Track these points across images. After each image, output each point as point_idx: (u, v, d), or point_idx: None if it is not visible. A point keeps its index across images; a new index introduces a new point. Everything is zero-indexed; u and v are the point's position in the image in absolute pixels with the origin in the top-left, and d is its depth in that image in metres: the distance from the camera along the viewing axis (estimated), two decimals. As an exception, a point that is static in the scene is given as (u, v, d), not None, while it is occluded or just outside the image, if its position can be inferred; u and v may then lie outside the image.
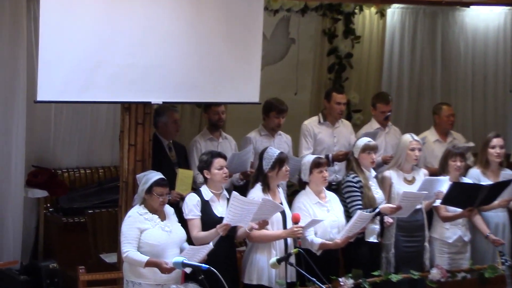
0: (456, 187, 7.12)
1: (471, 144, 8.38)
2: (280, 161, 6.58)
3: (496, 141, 7.65)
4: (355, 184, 7.00)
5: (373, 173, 7.21)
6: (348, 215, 6.84)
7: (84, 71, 6.47)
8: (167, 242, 6.12)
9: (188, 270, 5.78)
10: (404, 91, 10.58)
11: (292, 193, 7.93)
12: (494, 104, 11.24)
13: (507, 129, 11.00)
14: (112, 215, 8.02)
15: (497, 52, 11.11)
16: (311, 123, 8.18)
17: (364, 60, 10.26)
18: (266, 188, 6.58)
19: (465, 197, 7.14)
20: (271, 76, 9.28)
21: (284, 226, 6.57)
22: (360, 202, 6.94)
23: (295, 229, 6.36)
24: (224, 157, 6.52)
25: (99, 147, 8.98)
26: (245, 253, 6.66)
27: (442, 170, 7.48)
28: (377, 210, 6.84)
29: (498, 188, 7.28)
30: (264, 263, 6.45)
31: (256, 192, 6.58)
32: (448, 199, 7.13)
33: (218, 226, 6.17)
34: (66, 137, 8.75)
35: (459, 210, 7.29)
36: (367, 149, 7.09)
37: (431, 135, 8.48)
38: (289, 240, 6.60)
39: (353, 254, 6.92)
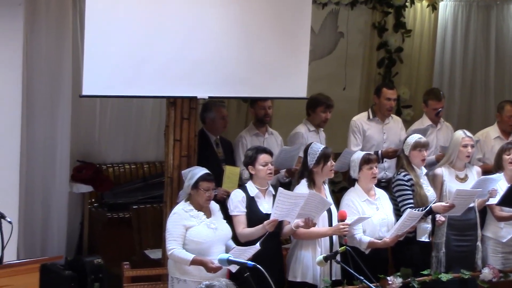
0: None
1: None
2: (325, 156, 6.48)
3: (553, 139, 7.47)
4: (406, 183, 6.87)
5: (424, 170, 7.06)
6: (399, 214, 6.72)
7: (130, 65, 6.45)
8: (212, 240, 6.06)
9: (233, 268, 5.68)
10: (456, 87, 10.42)
11: (339, 190, 7.82)
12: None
13: None
14: (156, 211, 8.03)
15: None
16: (360, 119, 8.05)
17: (415, 55, 10.12)
18: (312, 184, 6.49)
19: None
20: (319, 71, 9.21)
21: (330, 223, 6.49)
22: (411, 201, 6.80)
23: (341, 226, 6.29)
24: (270, 153, 6.43)
25: (144, 142, 8.98)
26: (289, 250, 6.59)
27: (497, 166, 7.33)
28: (428, 208, 6.67)
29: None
30: (309, 260, 6.38)
31: (302, 188, 6.49)
32: (505, 201, 6.95)
33: (266, 222, 6.11)
34: (111, 132, 8.76)
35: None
36: (418, 146, 6.96)
37: (493, 131, 8.31)
38: (335, 238, 6.51)
39: (404, 253, 6.79)
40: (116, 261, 7.03)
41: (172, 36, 6.57)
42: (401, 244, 6.72)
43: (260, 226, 6.14)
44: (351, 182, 6.82)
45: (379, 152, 7.74)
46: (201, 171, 6.12)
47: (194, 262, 5.91)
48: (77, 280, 7.35)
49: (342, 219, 6.32)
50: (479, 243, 7.12)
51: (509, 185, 7.02)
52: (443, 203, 6.79)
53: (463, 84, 10.52)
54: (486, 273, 6.77)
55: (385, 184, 7.49)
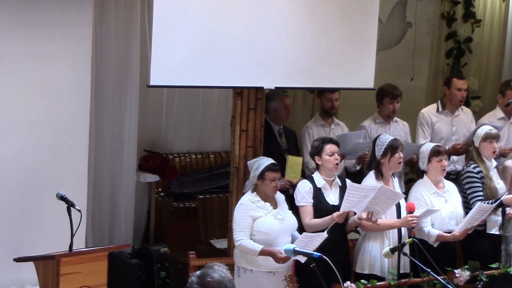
0: None
1: None
2: (393, 147, 6.41)
3: None
4: (475, 175, 6.77)
5: (494, 163, 6.94)
6: (468, 207, 6.63)
7: (196, 55, 6.46)
8: (279, 230, 6.05)
9: (302, 259, 5.67)
10: (526, 78, 10.19)
11: (407, 181, 7.73)
12: None
13: None
14: (222, 201, 8.04)
15: None
16: (429, 112, 7.94)
17: (484, 45, 9.97)
18: (379, 176, 6.43)
19: None
20: (386, 61, 9.13)
21: (398, 216, 6.42)
22: (481, 193, 6.71)
23: (410, 218, 6.22)
24: (336, 143, 6.38)
25: (210, 132, 9.00)
26: (357, 242, 6.55)
27: None
28: (499, 201, 6.56)
29: None
30: (376, 253, 6.33)
31: (370, 179, 6.45)
32: None
33: (335, 214, 6.07)
34: (177, 122, 8.80)
35: None
36: (489, 137, 6.85)
37: None
38: (403, 230, 6.44)
39: (473, 246, 6.69)
40: (182, 250, 7.09)
41: (238, 27, 6.57)
42: (471, 237, 6.64)
43: (328, 217, 6.11)
44: (420, 174, 6.75)
45: (447, 148, 7.60)
46: (267, 161, 6.10)
47: (262, 252, 5.91)
48: (144, 268, 7.41)
49: (410, 211, 6.26)
50: (551, 237, 7.00)
51: None
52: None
53: (535, 75, 10.31)
54: (558, 267, 6.64)
55: (454, 177, 7.39)
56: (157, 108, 8.67)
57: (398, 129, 7.76)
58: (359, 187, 6.12)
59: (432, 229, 6.44)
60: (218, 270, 3.49)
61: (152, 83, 6.39)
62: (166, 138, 8.79)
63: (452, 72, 9.55)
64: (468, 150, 7.34)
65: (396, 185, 6.57)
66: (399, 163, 6.50)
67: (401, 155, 6.47)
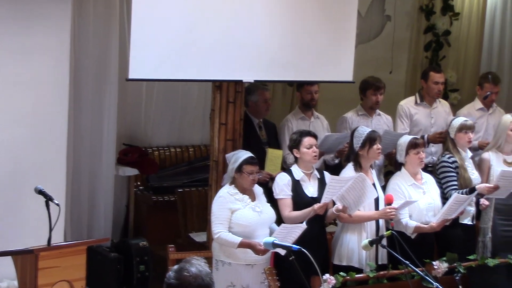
0: None
1: None
2: (371, 139, 6.44)
3: None
4: (450, 165, 6.81)
5: (469, 153, 6.99)
6: (444, 197, 6.67)
7: (175, 49, 6.44)
8: (257, 223, 6.05)
9: (282, 252, 5.68)
10: (504, 70, 10.25)
11: (385, 174, 7.76)
12: None
13: None
14: (202, 194, 8.05)
15: None
16: (408, 104, 7.97)
17: (462, 38, 10.00)
18: (358, 167, 6.45)
19: None
20: (365, 54, 9.16)
21: (377, 207, 6.44)
22: (455, 183, 6.75)
23: (388, 210, 6.25)
24: (315, 136, 6.40)
25: (189, 126, 9.00)
26: (335, 233, 6.57)
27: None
28: (475, 192, 6.60)
29: None
30: (354, 244, 6.36)
31: (348, 171, 6.47)
32: None
33: (316, 205, 6.08)
34: (157, 115, 8.79)
35: None
36: (464, 128, 6.89)
37: None
38: (381, 222, 6.48)
39: (446, 236, 6.72)
40: (161, 244, 7.09)
41: (218, 20, 6.55)
42: (444, 227, 6.64)
43: (309, 209, 6.12)
44: (398, 166, 6.78)
45: (426, 136, 7.66)
46: (245, 154, 6.10)
47: (241, 245, 5.92)
48: (123, 262, 7.40)
49: (388, 203, 6.28)
50: (527, 228, 7.06)
51: None
52: (487, 184, 6.75)
53: (512, 68, 10.37)
54: (534, 259, 6.69)
55: (431, 169, 7.42)
56: (136, 102, 8.66)
57: (381, 123, 7.77)
58: (340, 179, 6.15)
59: (410, 221, 6.46)
60: (196, 264, 3.49)
61: (131, 76, 6.37)
62: (145, 132, 8.78)
63: (431, 65, 9.58)
64: (445, 140, 7.39)
65: (374, 177, 6.60)
66: (378, 154, 6.52)
67: (379, 146, 6.49)
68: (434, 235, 6.80)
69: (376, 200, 6.45)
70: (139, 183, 8.55)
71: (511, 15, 10.24)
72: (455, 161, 6.84)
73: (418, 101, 7.95)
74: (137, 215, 8.40)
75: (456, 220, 6.77)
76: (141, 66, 6.34)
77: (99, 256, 7.33)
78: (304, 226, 5.88)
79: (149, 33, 6.31)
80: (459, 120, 6.98)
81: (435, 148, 7.83)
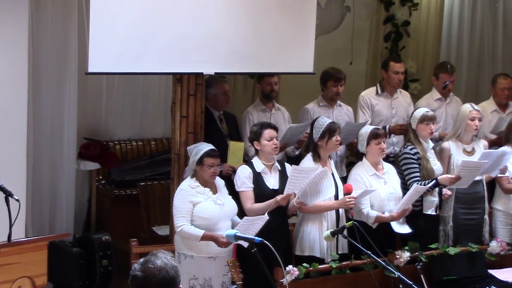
0: None
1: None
2: (330, 130, 6.46)
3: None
4: (412, 156, 6.84)
5: (431, 144, 7.04)
6: (406, 188, 6.70)
7: (135, 42, 6.41)
8: (219, 215, 6.05)
9: (245, 244, 5.69)
10: (463, 60, 10.36)
11: (347, 164, 7.80)
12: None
13: None
14: (164, 187, 8.03)
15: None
16: (368, 94, 8.01)
17: (422, 28, 10.07)
18: (317, 158, 6.47)
19: None
20: (325, 45, 9.18)
21: (336, 197, 6.46)
22: (418, 174, 6.79)
23: (347, 199, 6.28)
24: (275, 128, 6.40)
25: (151, 119, 8.97)
26: (296, 224, 6.59)
27: (506, 140, 7.29)
28: (433, 181, 6.65)
29: None
30: (315, 235, 6.38)
31: (307, 161, 6.49)
32: None
33: (279, 197, 6.09)
34: (118, 109, 8.75)
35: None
36: (425, 119, 6.92)
37: (489, 105, 8.22)
38: (341, 211, 6.51)
39: (410, 227, 6.75)
40: (124, 238, 7.05)
41: (177, 12, 6.53)
42: (408, 218, 6.71)
43: (270, 201, 6.13)
44: (359, 156, 6.81)
45: (387, 127, 7.71)
46: (206, 147, 6.09)
47: (204, 237, 5.91)
48: (85, 257, 7.36)
49: (347, 192, 6.32)
50: (486, 217, 7.13)
51: None
52: (449, 175, 6.77)
53: (471, 57, 10.46)
54: (494, 246, 6.75)
55: (393, 159, 7.47)
56: (96, 96, 8.60)
57: (341, 113, 7.81)
58: (302, 170, 6.16)
59: (371, 211, 6.50)
60: (161, 257, 3.51)
61: (90, 70, 6.32)
62: (106, 126, 8.73)
63: (391, 55, 9.64)
64: (407, 131, 7.45)
65: (333, 167, 6.62)
66: (337, 145, 6.55)
67: (339, 138, 6.52)
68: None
69: (336, 190, 6.47)
70: (101, 177, 8.51)
71: (469, 4, 10.34)
72: (417, 152, 6.87)
73: (379, 91, 7.99)
74: (99, 209, 8.36)
75: (419, 211, 6.84)
76: (100, 60, 6.30)
77: (61, 251, 7.28)
78: (266, 217, 5.90)
79: (108, 26, 6.27)
80: (420, 111, 7.00)
81: (397, 138, 7.89)
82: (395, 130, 7.72)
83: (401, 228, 6.63)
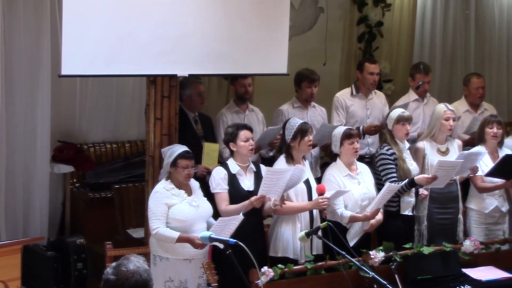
0: (507, 160, 7.01)
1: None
2: (302, 131, 6.47)
3: (532, 110, 7.50)
4: (389, 157, 6.87)
5: (407, 144, 7.07)
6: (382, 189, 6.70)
7: (109, 44, 6.37)
8: (194, 217, 6.04)
9: (221, 245, 5.68)
10: (436, 60, 10.44)
11: (322, 165, 7.81)
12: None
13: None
14: (138, 190, 8.00)
15: (533, 17, 10.91)
16: (343, 95, 8.03)
17: (395, 29, 10.12)
18: (290, 159, 6.48)
19: (510, 168, 7.01)
20: (299, 46, 9.18)
21: (310, 198, 6.48)
22: (394, 175, 6.81)
23: (320, 200, 6.28)
24: (250, 129, 6.41)
25: (125, 121, 8.94)
26: (270, 226, 6.59)
27: (479, 139, 7.34)
28: (410, 180, 6.68)
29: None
30: (289, 236, 6.39)
31: (280, 163, 6.50)
32: (494, 172, 7.01)
33: (253, 198, 6.10)
34: (91, 111, 8.71)
35: (496, 180, 7.13)
36: (401, 120, 6.94)
37: (461, 105, 8.27)
38: (315, 212, 6.51)
39: (387, 227, 6.79)
40: (99, 241, 7.02)
41: (150, 14, 6.50)
42: (385, 218, 6.73)
43: (245, 202, 6.13)
44: (333, 157, 6.82)
45: (361, 128, 7.73)
46: (180, 148, 6.08)
47: (180, 239, 5.90)
48: (60, 260, 7.31)
49: (321, 193, 6.31)
50: (460, 216, 7.18)
51: (503, 155, 7.09)
52: (425, 175, 6.79)
53: (444, 57, 10.55)
54: (468, 245, 6.77)
55: (368, 160, 7.49)
56: (70, 98, 8.57)
57: (316, 114, 7.83)
58: (276, 171, 6.16)
59: (345, 211, 6.51)
60: (134, 260, 3.53)
61: (63, 72, 6.28)
62: (80, 128, 8.70)
63: (364, 56, 9.68)
64: (381, 131, 7.48)
65: (307, 168, 6.63)
66: (309, 146, 6.55)
67: (311, 138, 6.53)
68: (375, 228, 6.90)
69: (309, 191, 6.49)
70: (75, 180, 8.47)
71: (441, 4, 10.41)
72: (394, 153, 6.89)
73: (354, 92, 8.01)
74: (73, 212, 8.32)
75: (396, 212, 6.87)
76: (73, 62, 6.26)
77: (36, 255, 7.23)
78: (241, 217, 5.89)
79: (81, 28, 6.23)
80: (396, 112, 7.02)
81: (372, 139, 7.92)
82: (369, 131, 7.74)
83: (354, 239, 6.61)
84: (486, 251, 6.87)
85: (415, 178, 6.75)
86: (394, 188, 6.52)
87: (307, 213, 6.45)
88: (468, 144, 7.63)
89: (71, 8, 6.19)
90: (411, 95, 8.19)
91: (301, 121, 6.57)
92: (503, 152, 7.28)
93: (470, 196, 7.36)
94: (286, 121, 6.65)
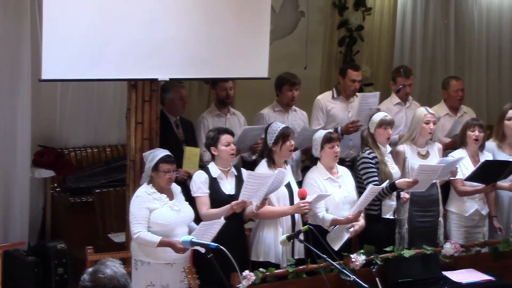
0: (486, 165, 7.04)
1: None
2: (284, 135, 6.47)
3: (512, 113, 7.54)
4: (370, 160, 6.89)
5: (389, 148, 7.09)
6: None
7: (89, 48, 6.35)
8: (176, 222, 6.04)
9: (202, 249, 5.67)
10: (416, 64, 10.47)
11: (302, 169, 7.82)
12: (509, 75, 11.16)
13: (523, 101, 10.89)
14: (119, 194, 7.98)
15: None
16: (324, 98, 8.03)
17: (375, 33, 10.15)
18: (272, 164, 6.48)
19: (491, 173, 7.08)
20: (280, 50, 9.19)
21: (291, 203, 6.48)
22: (376, 179, 6.83)
23: (302, 204, 6.27)
24: (232, 133, 6.42)
25: (106, 126, 8.90)
26: (252, 230, 6.59)
27: (460, 142, 7.38)
28: (391, 184, 6.70)
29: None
30: (271, 240, 6.39)
31: (262, 168, 6.50)
32: (474, 177, 7.04)
33: (233, 203, 6.10)
34: (72, 116, 8.67)
35: (476, 184, 7.17)
36: (384, 124, 6.96)
37: (441, 109, 8.28)
38: (296, 216, 6.51)
39: (369, 231, 6.81)
40: (80, 246, 6.98)
41: (131, 19, 6.49)
42: (367, 222, 6.74)
43: (226, 206, 6.13)
44: (314, 161, 6.83)
45: (339, 128, 7.71)
46: (161, 153, 6.08)
47: (161, 244, 5.90)
48: (41, 265, 7.30)
49: (302, 197, 6.31)
50: (441, 219, 7.19)
51: (482, 161, 7.11)
52: (406, 179, 6.81)
53: (424, 61, 10.59)
54: (448, 248, 6.80)
55: (349, 163, 7.50)
56: (50, 102, 8.53)
57: (296, 118, 7.83)
58: (257, 176, 6.15)
59: (326, 214, 6.51)
60: (111, 265, 3.47)
61: (44, 77, 6.26)
62: (61, 133, 8.65)
63: (345, 60, 9.71)
64: (357, 130, 7.52)
65: (289, 172, 6.64)
66: (291, 150, 6.56)
67: (292, 143, 6.54)
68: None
69: (291, 195, 6.50)
70: (55, 184, 8.43)
71: (421, 8, 10.46)
72: (375, 157, 6.91)
73: (335, 95, 8.01)
74: (54, 217, 8.28)
75: (378, 215, 6.89)
76: (54, 66, 6.24)
77: (16, 260, 7.21)
78: (222, 221, 5.89)
79: (62, 32, 6.20)
80: (379, 116, 7.04)
81: (353, 142, 7.91)
82: (346, 130, 7.71)
83: (335, 242, 6.61)
84: (466, 254, 6.91)
85: (396, 182, 6.77)
86: (376, 190, 6.53)
87: (289, 217, 6.46)
88: (449, 148, 7.66)
89: (52, 12, 6.17)
90: (393, 99, 8.20)
91: (283, 126, 6.58)
92: (484, 155, 7.33)
93: (450, 199, 7.39)
94: (268, 125, 6.65)
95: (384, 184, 6.69)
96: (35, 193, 8.25)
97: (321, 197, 6.43)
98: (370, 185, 6.51)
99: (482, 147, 7.38)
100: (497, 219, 7.46)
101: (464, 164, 7.20)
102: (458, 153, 7.25)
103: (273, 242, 6.35)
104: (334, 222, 6.52)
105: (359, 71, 8.03)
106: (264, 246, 6.39)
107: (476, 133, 7.27)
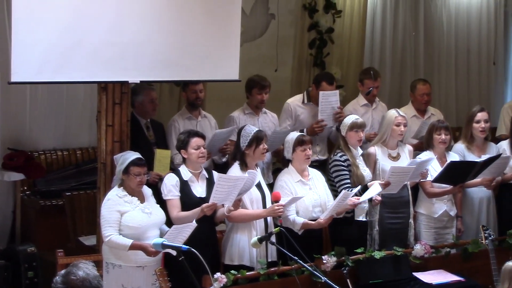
0: (452, 166, 7.08)
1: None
2: (257, 139, 6.48)
3: (480, 115, 7.62)
4: (342, 163, 6.91)
5: (360, 151, 7.13)
6: (336, 195, 6.72)
7: (59, 50, 6.32)
8: (147, 224, 6.04)
9: (174, 252, 5.67)
10: (386, 66, 10.54)
11: (274, 171, 7.84)
12: (478, 78, 11.27)
13: (491, 103, 11.01)
14: (90, 197, 7.94)
15: (480, 25, 11.14)
16: (294, 102, 8.03)
17: (345, 35, 10.18)
18: (244, 166, 6.49)
19: (458, 174, 7.12)
20: (251, 53, 9.22)
21: (264, 206, 6.50)
22: (348, 181, 6.86)
23: (276, 207, 6.29)
24: (202, 136, 6.42)
25: (76, 128, 8.84)
26: (225, 233, 6.59)
27: (427, 145, 7.43)
28: (363, 187, 6.73)
29: (488, 163, 7.22)
30: (244, 243, 6.39)
31: (234, 170, 6.50)
32: (441, 178, 7.08)
33: (204, 205, 6.09)
34: (42, 118, 8.60)
35: (445, 185, 7.23)
36: (355, 127, 7.00)
37: (408, 110, 8.31)
38: (269, 219, 6.53)
39: (341, 233, 6.84)
40: (50, 249, 6.96)
41: (101, 20, 6.46)
42: (339, 224, 6.79)
43: (197, 209, 6.13)
44: (285, 163, 6.85)
45: (305, 130, 7.69)
46: (132, 155, 6.08)
47: (133, 247, 5.90)
48: (11, 269, 7.25)
49: (276, 200, 6.33)
50: (411, 220, 7.23)
51: (448, 162, 7.15)
52: (379, 182, 6.84)
53: (393, 63, 10.65)
54: (418, 249, 6.85)
55: (316, 165, 7.51)
56: (20, 105, 8.45)
57: (267, 120, 7.83)
58: (228, 178, 6.16)
59: (297, 217, 6.53)
60: (83, 267, 3.48)
61: (13, 80, 6.22)
62: (31, 135, 8.58)
63: (316, 62, 9.75)
64: (323, 129, 7.56)
65: (260, 175, 6.63)
66: (263, 153, 6.57)
67: (266, 146, 6.55)
68: (329, 233, 6.96)
69: (264, 199, 6.51)
70: (25, 187, 8.36)
71: (391, 11, 10.52)
72: (347, 159, 6.94)
73: (306, 101, 8.01)
74: (24, 220, 8.21)
75: (350, 218, 6.92)
76: (23, 69, 6.20)
77: (-15, 264, 7.16)
78: (194, 224, 5.89)
79: (31, 35, 6.17)
80: (350, 119, 7.06)
81: (320, 147, 7.93)
82: (312, 131, 7.70)
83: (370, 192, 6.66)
84: (436, 255, 6.96)
85: (368, 184, 6.81)
86: (349, 195, 6.55)
87: (262, 220, 6.47)
88: (416, 149, 7.71)
89: (20, 14, 6.14)
90: (360, 100, 8.24)
91: (257, 129, 6.59)
92: (451, 156, 7.39)
93: (419, 201, 7.44)
94: (241, 128, 6.65)
95: (356, 189, 6.71)
96: (5, 196, 8.19)
97: (295, 200, 6.44)
98: (344, 191, 6.53)
99: (448, 148, 7.44)
100: (468, 219, 7.53)
101: (432, 166, 7.25)
102: (426, 155, 7.29)
103: (247, 245, 6.35)
104: (305, 226, 6.53)
105: (333, 85, 7.95)
106: (239, 249, 6.39)
107: (443, 136, 7.33)
